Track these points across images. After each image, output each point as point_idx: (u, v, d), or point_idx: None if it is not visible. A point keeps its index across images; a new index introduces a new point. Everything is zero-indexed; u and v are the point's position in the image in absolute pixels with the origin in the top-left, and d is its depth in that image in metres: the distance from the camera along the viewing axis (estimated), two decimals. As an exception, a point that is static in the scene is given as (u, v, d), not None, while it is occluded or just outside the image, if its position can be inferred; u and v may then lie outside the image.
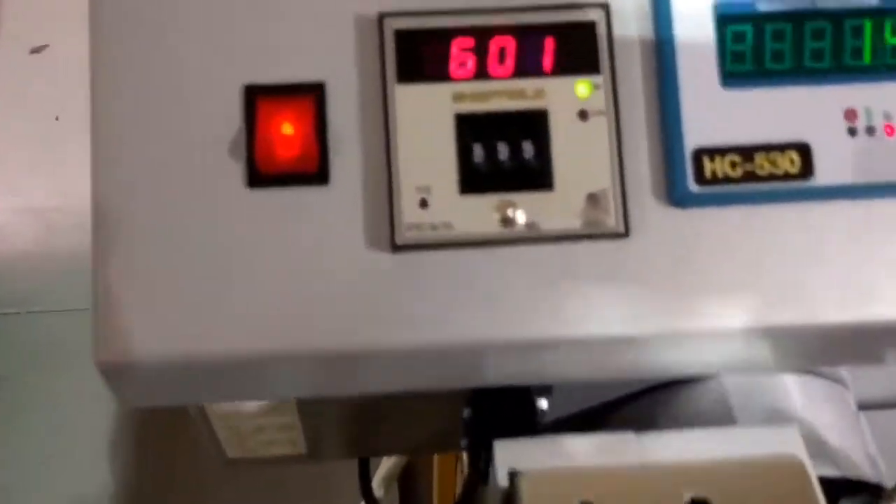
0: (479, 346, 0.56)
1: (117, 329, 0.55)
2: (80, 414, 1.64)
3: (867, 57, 0.58)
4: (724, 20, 0.57)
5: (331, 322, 0.55)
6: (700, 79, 0.57)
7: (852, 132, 0.57)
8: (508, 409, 0.66)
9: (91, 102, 0.57)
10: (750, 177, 0.56)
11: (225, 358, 0.55)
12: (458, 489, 0.91)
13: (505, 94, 0.56)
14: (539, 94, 0.56)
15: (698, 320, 0.56)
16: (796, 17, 0.57)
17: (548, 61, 0.57)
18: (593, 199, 0.56)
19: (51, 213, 1.81)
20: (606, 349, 0.57)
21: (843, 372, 0.75)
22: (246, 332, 0.55)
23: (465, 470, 0.71)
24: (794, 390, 0.72)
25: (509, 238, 0.56)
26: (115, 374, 0.56)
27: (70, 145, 1.74)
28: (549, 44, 0.57)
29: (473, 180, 0.56)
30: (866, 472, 0.70)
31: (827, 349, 0.60)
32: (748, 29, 0.57)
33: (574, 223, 0.56)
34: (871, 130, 0.57)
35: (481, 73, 0.56)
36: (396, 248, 0.55)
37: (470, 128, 0.56)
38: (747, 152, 0.57)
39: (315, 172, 0.56)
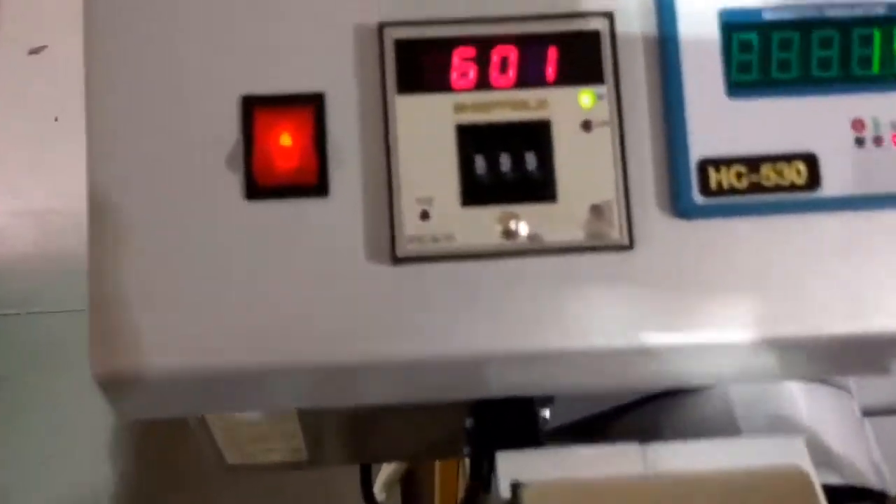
0: (481, 359, 0.55)
1: (115, 342, 0.54)
2: (80, 414, 1.63)
3: (876, 66, 0.57)
4: (729, 28, 0.56)
5: (331, 335, 0.55)
6: (705, 88, 0.56)
7: (860, 142, 0.56)
8: (511, 420, 0.65)
9: (86, 111, 0.56)
10: (756, 188, 0.56)
11: (224, 371, 0.55)
12: (460, 494, 0.91)
13: (507, 104, 0.56)
14: (542, 104, 0.56)
15: (703, 333, 0.56)
16: (803, 26, 0.57)
17: (551, 71, 0.56)
18: (597, 211, 0.55)
19: (50, 214, 1.80)
20: (610, 361, 0.57)
21: (848, 378, 0.75)
22: (245, 344, 0.54)
23: (467, 475, 0.71)
24: (799, 398, 0.72)
25: (512, 250, 0.55)
26: (114, 386, 0.55)
27: (69, 146, 1.72)
28: (552, 53, 0.56)
29: (475, 192, 0.55)
30: (870, 480, 0.70)
31: (833, 360, 0.59)
32: (754, 37, 0.56)
33: (577, 235, 0.55)
34: (878, 141, 0.56)
35: (483, 84, 0.56)
36: (397, 260, 0.55)
37: (471, 139, 0.55)
38: (753, 163, 0.56)
39: (314, 184, 0.55)
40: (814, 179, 0.56)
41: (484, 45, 0.56)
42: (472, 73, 0.56)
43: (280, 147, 0.55)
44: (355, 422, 0.74)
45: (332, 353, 0.55)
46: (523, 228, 0.55)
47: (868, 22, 0.57)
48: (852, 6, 0.57)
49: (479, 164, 0.55)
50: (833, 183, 0.56)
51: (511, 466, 0.58)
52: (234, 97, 0.56)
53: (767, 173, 0.56)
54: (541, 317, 0.55)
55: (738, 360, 0.57)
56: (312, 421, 0.72)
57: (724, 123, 0.56)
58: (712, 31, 0.57)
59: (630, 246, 0.55)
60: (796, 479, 0.58)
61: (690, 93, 0.56)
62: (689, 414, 0.69)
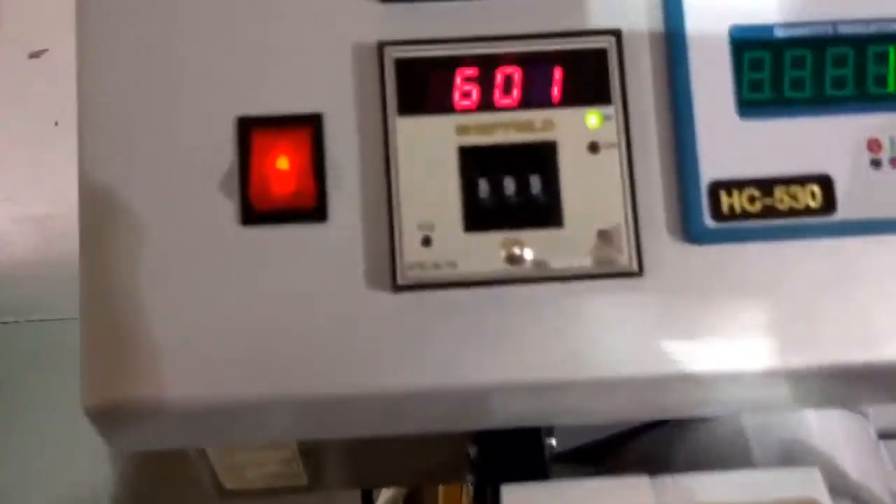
0: (485, 390, 0.54)
1: (107, 374, 0.53)
2: (80, 419, 1.62)
3: (891, 85, 0.55)
4: (740, 46, 0.55)
5: (330, 365, 0.53)
6: (716, 108, 0.54)
7: (876, 164, 0.55)
8: (516, 450, 0.63)
9: (78, 133, 0.55)
10: (769, 212, 0.54)
11: (220, 403, 0.53)
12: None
13: (511, 125, 0.54)
14: (547, 125, 0.54)
15: (715, 362, 0.54)
16: (817, 43, 0.55)
17: (556, 91, 0.54)
18: (605, 236, 0.53)
19: (50, 220, 1.79)
20: (619, 392, 0.55)
21: (863, 401, 0.73)
22: (242, 376, 0.53)
23: (471, 499, 0.69)
24: (813, 422, 0.70)
25: (516, 277, 0.53)
26: (106, 420, 0.53)
27: (70, 150, 1.71)
28: (558, 73, 0.54)
29: (478, 217, 0.53)
30: (887, 505, 0.68)
31: (851, 390, 0.57)
32: (766, 56, 0.55)
33: (585, 261, 0.53)
34: (895, 162, 0.54)
35: (486, 104, 0.54)
36: (398, 288, 0.53)
37: (474, 161, 0.53)
38: (766, 186, 0.54)
39: (312, 209, 0.53)
40: (829, 202, 0.54)
41: (487, 65, 0.54)
42: (475, 94, 0.54)
43: (277, 170, 0.53)
44: (356, 447, 0.72)
45: (331, 385, 0.53)
46: (528, 254, 0.53)
47: (883, 39, 0.55)
48: (867, 23, 0.55)
49: (483, 187, 0.53)
50: (849, 206, 0.54)
51: (516, 501, 0.56)
52: (229, 118, 0.54)
53: (781, 196, 0.54)
54: (547, 346, 0.53)
55: (750, 389, 0.56)
56: (312, 446, 0.70)
57: (735, 144, 0.54)
58: (723, 49, 0.55)
59: (639, 272, 0.53)
60: (813, 513, 0.56)
61: (700, 113, 0.54)
62: (701, 440, 0.68)
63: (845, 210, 0.54)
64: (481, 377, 0.53)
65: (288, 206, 0.53)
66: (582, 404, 0.56)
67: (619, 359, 0.54)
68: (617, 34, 0.54)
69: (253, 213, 0.53)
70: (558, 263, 0.53)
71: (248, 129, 0.54)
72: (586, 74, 0.54)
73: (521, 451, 0.63)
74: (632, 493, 0.57)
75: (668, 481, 0.57)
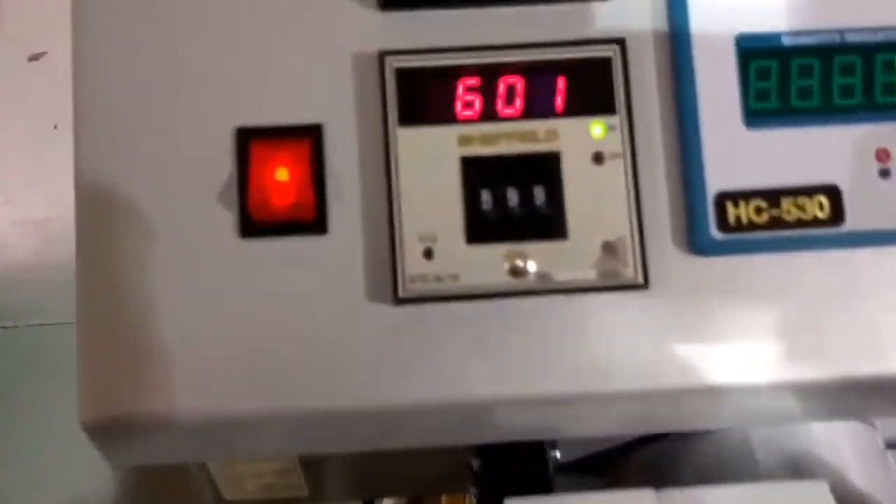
0: (488, 404, 0.53)
1: (104, 389, 0.52)
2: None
3: (900, 93, 0.54)
4: (747, 55, 0.54)
5: (330, 380, 0.52)
6: (722, 118, 0.54)
7: (885, 174, 0.54)
8: (520, 463, 0.63)
9: (74, 144, 0.54)
10: (776, 223, 0.53)
11: (219, 417, 0.52)
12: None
13: (514, 136, 0.53)
14: (551, 135, 0.53)
15: (722, 376, 0.53)
16: (824, 52, 0.54)
17: (559, 101, 0.53)
18: (609, 248, 0.53)
19: (49, 223, 1.78)
20: (624, 406, 0.54)
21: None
22: (241, 390, 0.52)
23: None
24: (820, 434, 0.69)
25: (519, 290, 0.52)
26: (103, 434, 0.53)
27: (69, 154, 1.70)
28: (561, 82, 0.53)
29: (481, 229, 0.52)
30: (895, 515, 0.67)
31: (860, 402, 0.57)
32: (773, 64, 0.54)
33: (589, 274, 0.52)
34: (904, 172, 0.54)
35: (489, 115, 0.53)
36: (399, 300, 0.52)
37: (477, 172, 0.53)
38: (773, 196, 0.53)
39: (312, 221, 0.53)
40: (837, 213, 0.53)
41: (489, 74, 0.53)
42: (478, 104, 0.53)
43: (276, 182, 0.53)
44: (357, 458, 0.71)
45: (331, 399, 0.52)
46: (532, 267, 0.52)
47: (891, 47, 0.54)
48: (874, 31, 0.54)
49: (485, 198, 0.53)
50: (857, 217, 0.53)
51: (520, 515, 0.55)
52: (228, 129, 0.53)
53: (788, 207, 0.53)
54: (551, 360, 0.52)
55: (757, 403, 0.55)
56: (313, 458, 0.69)
57: (742, 155, 0.53)
58: (729, 58, 0.54)
59: (644, 284, 0.52)
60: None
61: (706, 123, 0.53)
62: (706, 452, 0.67)
63: (853, 221, 0.53)
64: (484, 392, 0.52)
65: (287, 218, 0.52)
66: (587, 419, 0.55)
67: (625, 373, 0.53)
68: (621, 43, 0.54)
69: (252, 226, 0.52)
70: (562, 276, 0.52)
71: (247, 139, 0.53)
72: (590, 84, 0.53)
73: (525, 463, 0.62)
74: (637, 507, 0.56)
75: (675, 494, 0.57)
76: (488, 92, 0.53)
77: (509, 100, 0.53)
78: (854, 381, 0.53)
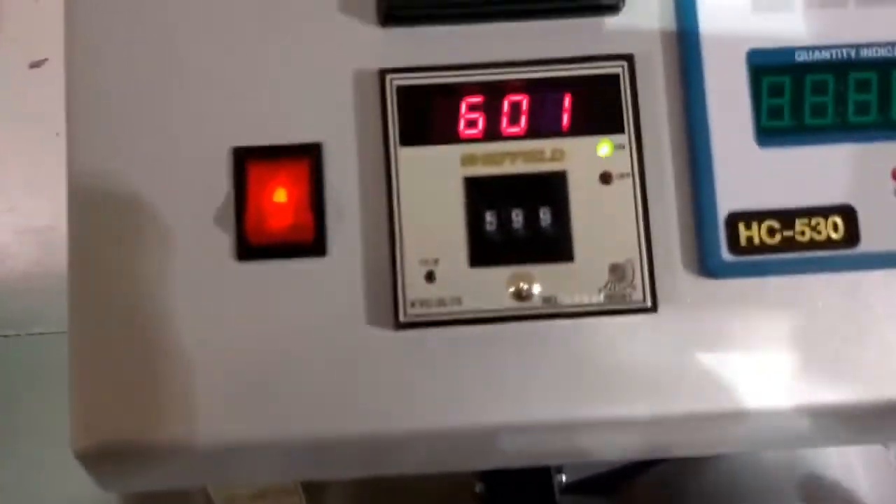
0: (491, 432, 0.52)
1: (97, 415, 0.51)
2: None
3: (917, 110, 0.53)
4: (759, 71, 0.52)
5: (329, 407, 0.51)
6: (733, 136, 0.52)
7: (901, 194, 0.52)
8: (525, 485, 0.61)
9: (66, 161, 0.53)
10: (789, 244, 0.52)
11: (213, 444, 0.51)
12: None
13: (519, 155, 0.52)
14: (556, 155, 0.52)
15: (732, 401, 0.52)
16: (839, 68, 0.52)
17: (566, 119, 0.52)
18: (617, 271, 0.51)
19: (52, 232, 1.77)
20: (633, 431, 0.53)
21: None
22: (238, 416, 0.51)
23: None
24: (832, 454, 0.68)
25: (524, 314, 0.51)
26: (98, 463, 0.51)
27: (71, 161, 1.69)
28: (567, 100, 0.52)
29: (484, 251, 0.51)
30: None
31: (874, 426, 0.55)
32: (786, 80, 0.52)
33: (596, 297, 0.51)
34: (921, 192, 0.52)
35: (492, 133, 0.52)
36: (400, 325, 0.51)
37: (480, 193, 0.51)
38: (786, 217, 0.52)
39: (311, 243, 0.51)
40: (852, 235, 0.52)
41: (493, 92, 0.52)
42: (481, 122, 0.52)
43: (274, 203, 0.51)
44: (359, 480, 0.70)
45: (330, 426, 0.51)
46: (537, 290, 0.51)
47: (908, 62, 0.53)
48: (891, 45, 0.53)
49: (489, 220, 0.51)
50: (873, 238, 0.52)
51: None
52: (224, 149, 0.52)
53: (802, 228, 0.52)
54: (556, 386, 0.51)
55: (769, 428, 0.53)
56: (314, 482, 0.68)
57: (754, 174, 0.52)
58: (740, 74, 0.53)
59: (653, 308, 0.51)
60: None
61: (717, 141, 0.52)
62: (717, 473, 0.65)
63: (869, 242, 0.52)
64: (488, 418, 0.51)
65: (285, 240, 0.51)
66: (594, 445, 0.53)
67: (633, 398, 0.51)
68: (629, 59, 0.52)
69: (249, 248, 0.51)
70: (568, 299, 0.51)
71: (244, 160, 0.52)
72: (597, 101, 0.52)
73: (530, 488, 0.61)
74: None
75: (685, 521, 0.55)
76: (492, 110, 0.52)
77: (514, 118, 0.52)
78: (869, 404, 0.52)
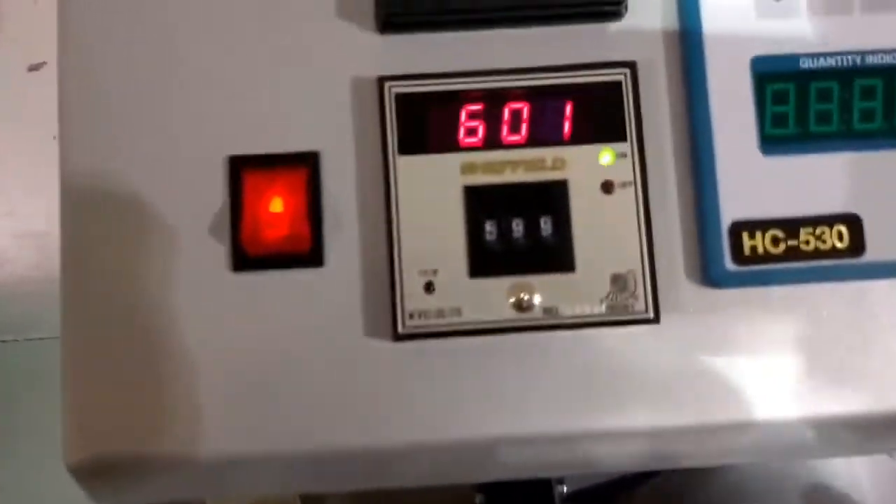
0: (491, 444, 0.51)
1: (92, 430, 0.50)
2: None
3: (924, 117, 0.52)
4: (763, 78, 0.52)
5: (327, 419, 0.51)
6: (737, 144, 0.52)
7: (908, 202, 0.52)
8: (525, 497, 0.60)
9: (59, 171, 0.52)
10: (794, 254, 0.51)
11: (208, 457, 0.51)
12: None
13: (520, 164, 0.51)
14: (558, 163, 0.51)
15: (737, 411, 0.51)
16: (844, 75, 0.52)
17: (567, 127, 0.51)
18: (619, 281, 0.51)
19: (50, 236, 1.76)
20: (635, 443, 0.52)
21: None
22: (233, 430, 0.50)
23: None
24: (838, 464, 0.67)
25: (525, 325, 0.50)
26: (91, 476, 0.51)
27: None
28: (568, 108, 0.51)
29: (484, 261, 0.50)
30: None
31: (880, 437, 0.54)
32: (790, 88, 0.52)
33: (598, 308, 0.50)
34: (928, 200, 0.52)
35: (493, 142, 0.51)
36: (399, 337, 0.50)
37: (480, 202, 0.51)
38: (790, 226, 0.51)
39: (308, 253, 0.51)
40: (857, 244, 0.51)
41: (493, 100, 0.51)
42: (481, 131, 0.51)
43: (270, 213, 0.51)
44: (358, 492, 0.69)
45: (328, 439, 0.50)
46: (538, 301, 0.50)
47: (914, 69, 0.52)
48: (896, 52, 0.52)
49: (489, 229, 0.51)
50: (879, 247, 0.52)
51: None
52: (220, 156, 0.51)
53: (806, 237, 0.51)
54: (557, 397, 0.51)
55: (773, 438, 0.53)
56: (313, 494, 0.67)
57: (757, 183, 0.51)
58: (744, 81, 0.52)
59: (656, 319, 0.51)
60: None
61: (721, 149, 0.52)
62: (722, 482, 0.65)
63: (875, 251, 0.51)
64: (488, 430, 0.51)
65: (282, 250, 0.51)
66: (595, 456, 0.53)
67: (635, 410, 0.51)
68: (632, 66, 0.52)
69: (245, 259, 0.50)
70: (570, 310, 0.50)
71: (240, 169, 0.51)
72: (599, 109, 0.51)
73: (531, 500, 0.60)
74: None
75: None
76: (492, 118, 0.51)
77: (514, 126, 0.51)
78: (874, 414, 0.52)
